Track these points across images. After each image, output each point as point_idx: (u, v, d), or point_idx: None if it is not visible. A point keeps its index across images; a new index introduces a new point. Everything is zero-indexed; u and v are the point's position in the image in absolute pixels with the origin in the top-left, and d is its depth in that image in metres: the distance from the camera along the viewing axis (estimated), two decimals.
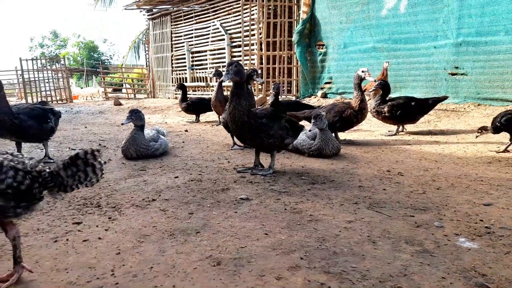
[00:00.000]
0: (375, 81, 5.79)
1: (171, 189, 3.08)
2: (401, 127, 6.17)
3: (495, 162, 4.01)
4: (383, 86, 5.94)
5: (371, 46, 9.25)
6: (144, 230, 2.22)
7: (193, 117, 8.69)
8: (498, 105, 7.15)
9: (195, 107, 8.07)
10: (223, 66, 13.39)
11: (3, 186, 1.52)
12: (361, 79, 5.07)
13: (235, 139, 5.04)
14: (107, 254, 1.93)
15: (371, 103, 6.09)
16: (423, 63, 8.32)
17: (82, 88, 25.84)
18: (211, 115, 8.87)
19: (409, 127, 6.42)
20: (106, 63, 36.26)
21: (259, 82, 5.06)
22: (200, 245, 2.01)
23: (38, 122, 4.07)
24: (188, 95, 8.87)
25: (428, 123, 6.90)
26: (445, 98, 6.02)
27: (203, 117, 9.04)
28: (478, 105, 7.44)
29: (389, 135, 6.01)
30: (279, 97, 5.77)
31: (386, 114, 5.80)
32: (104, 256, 1.90)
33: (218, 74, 7.06)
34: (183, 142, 5.61)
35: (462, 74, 7.70)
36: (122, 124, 4.24)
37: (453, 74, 7.85)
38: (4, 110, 3.80)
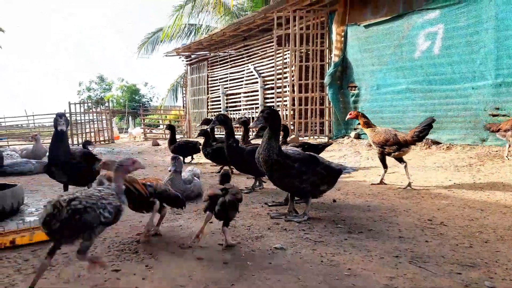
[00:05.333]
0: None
1: (206, 235, 3.09)
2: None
3: None
4: (243, 122, 6.15)
5: (404, 88, 9.17)
6: (180, 280, 2.23)
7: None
8: None
9: (180, 149, 8.24)
10: (257, 108, 13.74)
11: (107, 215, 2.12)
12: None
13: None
14: None
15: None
16: (461, 104, 8.10)
17: (124, 128, 27.08)
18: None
19: (450, 171, 6.15)
20: (146, 105, 38.24)
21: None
22: None
23: (89, 164, 4.31)
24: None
25: (470, 166, 6.59)
26: (328, 144, 6.09)
27: None
28: None
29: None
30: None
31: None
32: None
33: (205, 122, 7.13)
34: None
35: (504, 115, 7.40)
36: (169, 171, 4.38)
37: (494, 115, 7.56)
38: (66, 150, 4.09)
